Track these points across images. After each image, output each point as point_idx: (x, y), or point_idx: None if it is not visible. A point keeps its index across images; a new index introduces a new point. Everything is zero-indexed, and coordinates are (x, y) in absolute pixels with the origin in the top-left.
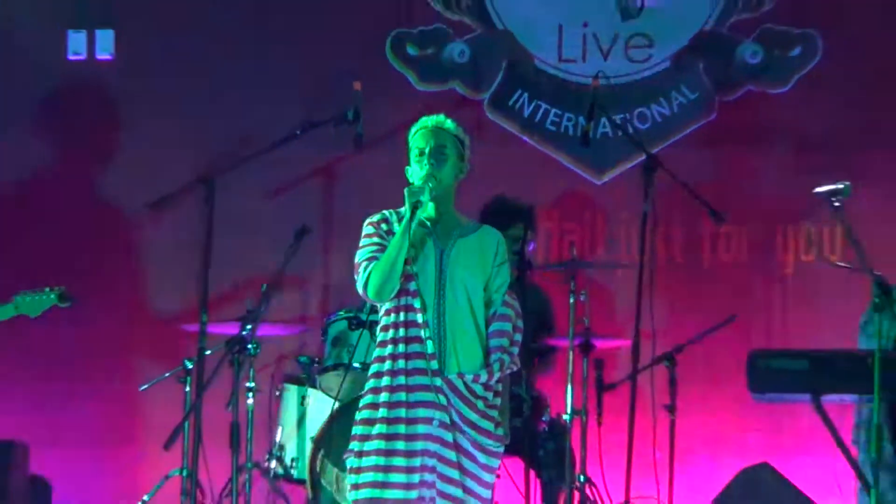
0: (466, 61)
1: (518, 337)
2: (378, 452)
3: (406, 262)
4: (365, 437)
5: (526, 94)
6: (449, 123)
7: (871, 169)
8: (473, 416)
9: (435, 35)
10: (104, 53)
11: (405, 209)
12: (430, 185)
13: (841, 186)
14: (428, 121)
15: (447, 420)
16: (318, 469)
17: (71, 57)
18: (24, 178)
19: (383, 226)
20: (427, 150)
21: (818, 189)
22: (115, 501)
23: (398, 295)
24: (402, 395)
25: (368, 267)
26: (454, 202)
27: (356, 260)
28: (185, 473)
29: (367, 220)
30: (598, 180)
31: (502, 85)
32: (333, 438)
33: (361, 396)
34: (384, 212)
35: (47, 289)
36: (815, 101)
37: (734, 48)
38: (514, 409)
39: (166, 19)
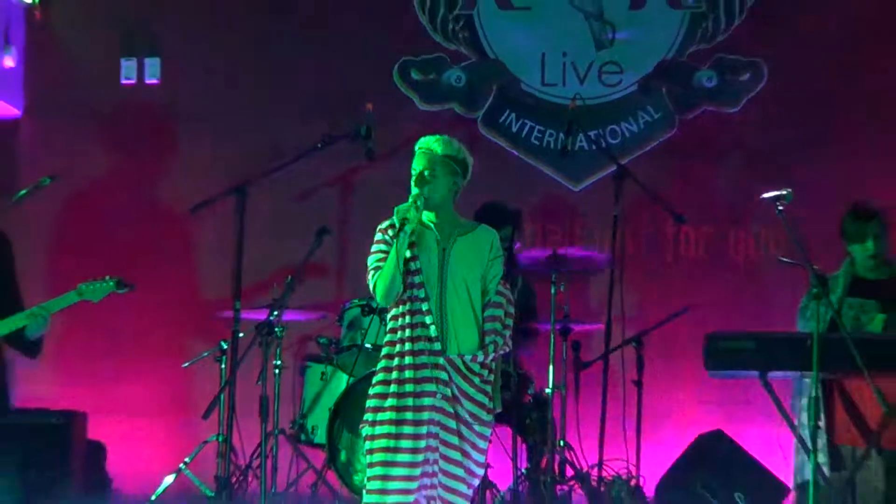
0: (462, 85)
1: (509, 322)
2: (390, 422)
3: (413, 260)
4: (378, 409)
5: (514, 114)
6: (439, 147)
7: (809, 177)
8: (471, 391)
9: (436, 63)
10: (152, 78)
11: (395, 219)
12: (419, 203)
13: (784, 193)
14: (423, 144)
15: (448, 394)
16: (334, 435)
17: (124, 82)
18: (88, 185)
19: (390, 231)
20: (415, 174)
21: (764, 195)
22: (160, 463)
23: (405, 288)
24: (410, 373)
25: (374, 277)
26: (454, 206)
27: (368, 264)
28: (220, 439)
29: (378, 227)
30: (576, 187)
31: (493, 106)
32: (348, 409)
33: (373, 374)
34: (393, 218)
35: (107, 277)
36: (761, 120)
37: (692, 74)
38: (503, 385)
39: (204, 49)
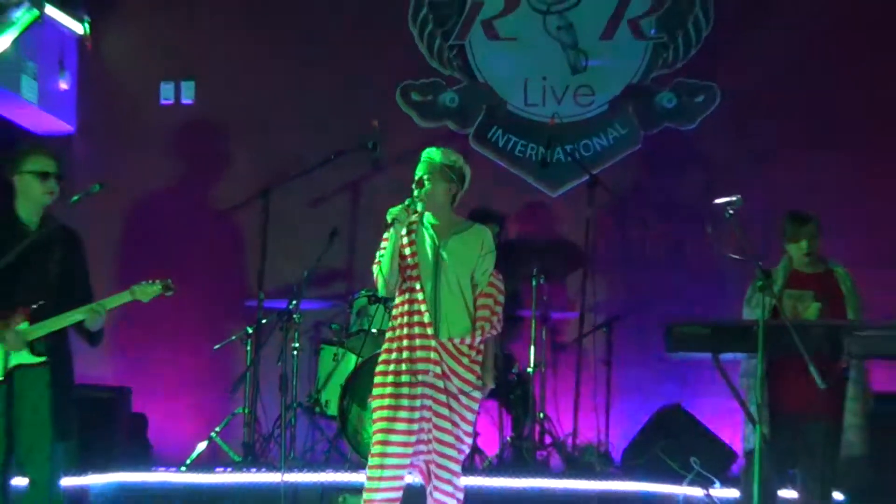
0: (456, 106)
1: (499, 309)
2: (390, 396)
3: (412, 256)
4: (381, 384)
5: (500, 130)
6: (438, 157)
7: (756, 186)
8: (459, 369)
9: (432, 86)
10: (187, 99)
11: (388, 217)
12: (411, 205)
13: (734, 199)
14: (426, 153)
15: (439, 371)
16: (345, 408)
17: (163, 102)
18: (133, 192)
19: (384, 233)
20: (416, 179)
21: (717, 200)
22: (194, 432)
23: (405, 280)
24: (407, 354)
25: (375, 270)
26: (452, 209)
27: (377, 255)
28: (246, 411)
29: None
30: (553, 194)
31: (482, 123)
32: (356, 386)
33: (378, 355)
34: (387, 217)
35: (157, 281)
36: (714, 136)
37: (654, 96)
38: (494, 363)
39: (232, 74)
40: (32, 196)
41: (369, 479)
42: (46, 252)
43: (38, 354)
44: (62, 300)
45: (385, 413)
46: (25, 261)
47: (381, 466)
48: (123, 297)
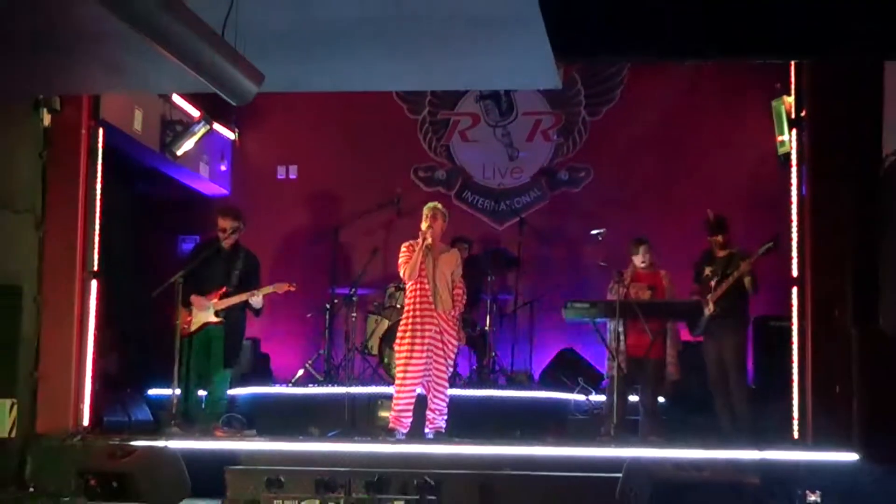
0: (444, 179)
1: (464, 298)
2: (409, 344)
3: (423, 262)
4: (402, 337)
5: (469, 192)
6: (436, 207)
7: (616, 223)
8: (446, 327)
9: (430, 167)
10: (292, 175)
11: (420, 240)
12: (426, 234)
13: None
14: (429, 205)
15: (437, 328)
16: (381, 350)
17: (279, 177)
18: (263, 228)
19: (406, 248)
20: (425, 220)
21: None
22: (296, 364)
23: (415, 277)
24: (418, 318)
25: (403, 269)
26: (441, 238)
27: (399, 262)
28: (325, 353)
29: (402, 245)
30: (500, 227)
31: (460, 188)
32: (388, 338)
33: (400, 320)
34: (409, 242)
35: (293, 282)
36: (592, 197)
37: (557, 173)
38: (466, 324)
39: (319, 159)
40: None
41: (395, 391)
42: (232, 262)
43: (218, 317)
44: (239, 289)
45: (404, 354)
46: (220, 267)
47: (402, 384)
48: (267, 290)
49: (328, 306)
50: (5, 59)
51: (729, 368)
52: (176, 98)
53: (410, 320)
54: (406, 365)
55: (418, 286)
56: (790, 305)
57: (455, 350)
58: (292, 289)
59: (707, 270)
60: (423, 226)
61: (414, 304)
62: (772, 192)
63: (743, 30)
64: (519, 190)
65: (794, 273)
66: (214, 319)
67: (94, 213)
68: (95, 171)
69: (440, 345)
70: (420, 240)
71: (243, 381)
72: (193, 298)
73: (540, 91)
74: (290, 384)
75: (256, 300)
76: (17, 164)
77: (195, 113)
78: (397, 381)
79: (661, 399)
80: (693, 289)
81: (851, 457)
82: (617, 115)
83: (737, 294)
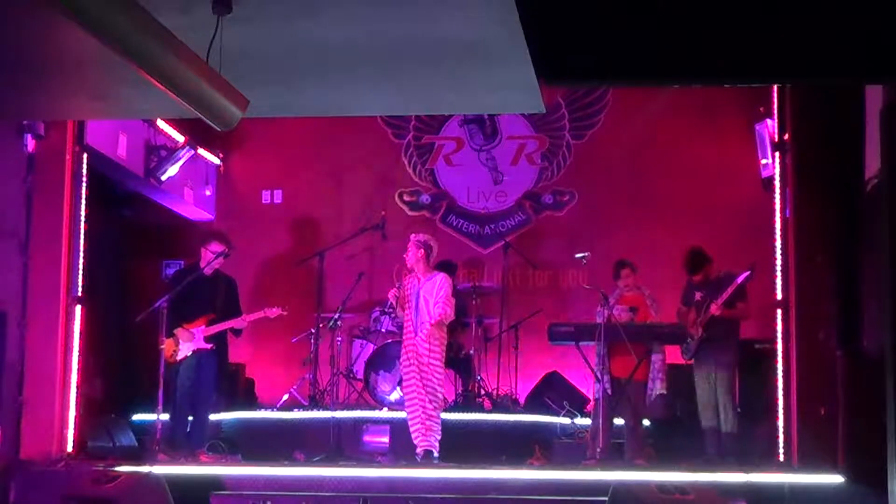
0: (429, 203)
1: (445, 308)
2: (404, 370)
3: (408, 295)
4: (403, 364)
5: (454, 216)
6: (418, 238)
7: (598, 246)
8: (423, 350)
9: (415, 191)
10: (277, 199)
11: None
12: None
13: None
14: (413, 236)
15: (415, 352)
16: (366, 375)
17: (264, 202)
18: (246, 253)
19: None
20: (408, 251)
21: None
22: (281, 389)
23: (405, 305)
24: (405, 348)
25: (391, 297)
26: (427, 265)
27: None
28: (311, 377)
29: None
30: (485, 251)
31: (445, 213)
32: (373, 362)
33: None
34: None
35: (277, 308)
36: (575, 219)
37: (540, 197)
38: (451, 348)
39: (302, 184)
40: (207, 259)
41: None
42: (215, 288)
43: (210, 343)
44: (224, 315)
45: (406, 380)
46: (204, 294)
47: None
48: (259, 315)
49: (313, 331)
50: None
51: (719, 390)
52: (160, 123)
53: (402, 350)
54: (404, 390)
55: (405, 317)
56: (775, 327)
57: (436, 367)
58: (284, 313)
59: (698, 295)
60: (406, 257)
61: (403, 334)
62: (756, 215)
63: (725, 54)
64: (503, 214)
65: (779, 296)
66: (206, 346)
67: (79, 237)
68: (80, 196)
69: (416, 366)
70: (392, 299)
71: (229, 405)
72: (179, 332)
73: (524, 115)
74: (276, 409)
75: (240, 325)
76: (1, 190)
77: (180, 138)
78: (406, 405)
79: (646, 422)
80: (680, 310)
81: (836, 479)
82: (601, 138)
83: (728, 316)
